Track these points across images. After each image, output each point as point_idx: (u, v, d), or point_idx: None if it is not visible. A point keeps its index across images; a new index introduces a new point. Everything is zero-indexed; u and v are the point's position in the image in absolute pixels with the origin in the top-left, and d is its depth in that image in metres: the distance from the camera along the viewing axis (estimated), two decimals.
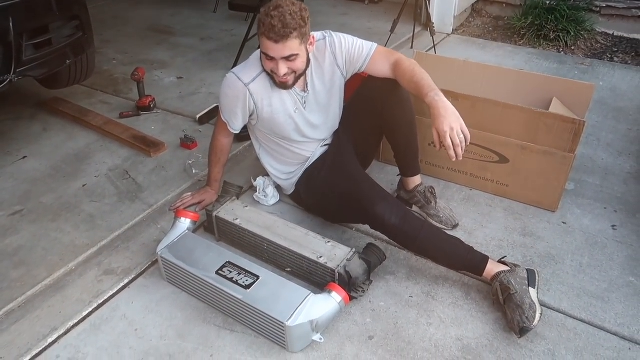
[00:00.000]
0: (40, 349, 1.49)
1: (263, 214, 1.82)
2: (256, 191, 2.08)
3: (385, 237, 1.86)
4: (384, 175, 2.22)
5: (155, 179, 2.23)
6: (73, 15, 2.27)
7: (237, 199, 1.91)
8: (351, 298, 1.61)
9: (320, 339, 1.48)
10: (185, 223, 1.75)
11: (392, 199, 1.67)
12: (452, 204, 2.07)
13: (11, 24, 1.87)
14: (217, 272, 1.56)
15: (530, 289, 1.53)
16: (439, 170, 2.18)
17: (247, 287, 1.51)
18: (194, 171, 2.23)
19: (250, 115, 1.78)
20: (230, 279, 1.54)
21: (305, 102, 1.78)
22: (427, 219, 1.94)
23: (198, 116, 2.67)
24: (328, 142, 1.94)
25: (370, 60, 1.74)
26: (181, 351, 1.48)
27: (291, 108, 1.76)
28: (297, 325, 1.41)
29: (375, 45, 1.76)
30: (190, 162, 2.29)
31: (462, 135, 1.49)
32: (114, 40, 3.88)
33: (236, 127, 1.82)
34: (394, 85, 1.73)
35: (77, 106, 2.81)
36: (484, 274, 1.60)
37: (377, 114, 1.82)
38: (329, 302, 1.49)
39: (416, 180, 1.96)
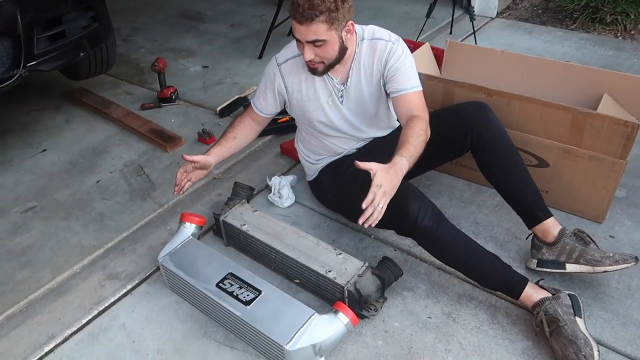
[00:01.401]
0: (36, 358, 1.44)
1: (272, 220, 1.69)
2: (271, 191, 1.96)
3: (405, 248, 1.71)
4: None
5: (169, 176, 2.15)
6: (88, 5, 2.19)
7: (248, 202, 1.80)
8: (361, 317, 1.48)
9: None
10: (189, 228, 1.66)
11: (429, 201, 1.49)
12: (484, 210, 1.88)
13: (19, 17, 1.81)
14: (217, 285, 1.46)
15: (577, 319, 1.34)
16: (469, 172, 1.99)
17: (248, 303, 1.40)
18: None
19: (284, 103, 1.69)
20: (231, 293, 1.43)
21: (342, 96, 1.63)
22: (594, 272, 1.50)
23: (219, 108, 2.57)
24: (366, 143, 1.78)
25: (401, 96, 1.56)
26: None
27: (324, 98, 1.63)
28: (298, 350, 1.29)
29: (420, 88, 1.58)
30: None
31: (381, 202, 1.29)
32: (145, 27, 3.83)
33: (261, 108, 1.71)
34: (486, 114, 1.59)
35: (100, 97, 2.77)
36: (521, 297, 1.42)
37: (461, 140, 1.64)
38: (335, 323, 1.36)
39: (554, 224, 1.57)
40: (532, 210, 1.58)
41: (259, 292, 1.43)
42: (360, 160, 1.44)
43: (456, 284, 1.60)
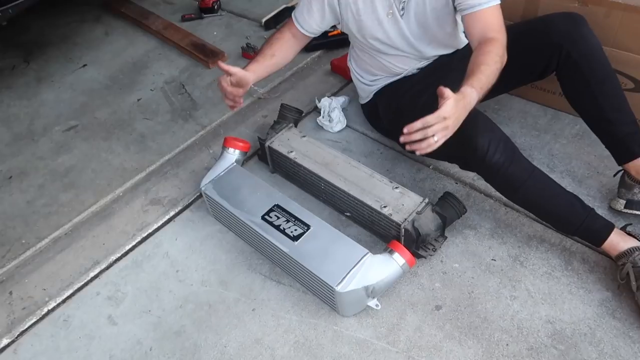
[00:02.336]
0: (82, 283, 1.42)
1: (322, 148, 1.54)
2: (320, 114, 1.79)
3: (468, 181, 1.54)
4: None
5: (211, 95, 2.01)
6: None
7: (295, 126, 1.65)
8: (418, 257, 1.36)
9: (377, 305, 1.26)
10: (233, 154, 1.54)
11: (501, 133, 1.29)
12: (561, 140, 1.65)
13: None
14: (263, 217, 1.36)
15: None
16: (546, 96, 1.74)
17: (295, 238, 1.30)
18: (252, 87, 1.96)
19: (335, 18, 1.48)
20: (277, 227, 1.33)
21: (403, 9, 1.39)
22: None
23: (264, 20, 2.35)
24: (429, 62, 1.56)
25: (474, 13, 1.29)
26: (222, 301, 1.34)
27: (382, 11, 1.40)
28: (349, 292, 1.19)
29: (498, 1, 1.30)
30: None
31: (438, 134, 1.08)
32: None
33: (303, 23, 1.49)
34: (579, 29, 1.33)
35: (139, 7, 2.59)
36: (604, 245, 1.24)
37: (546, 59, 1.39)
38: (390, 265, 1.24)
39: None
40: (626, 144, 1.35)
41: (308, 226, 1.32)
42: (421, 83, 1.25)
43: (525, 224, 1.43)
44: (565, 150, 1.62)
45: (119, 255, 1.48)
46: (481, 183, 1.54)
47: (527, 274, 1.32)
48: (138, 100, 2.04)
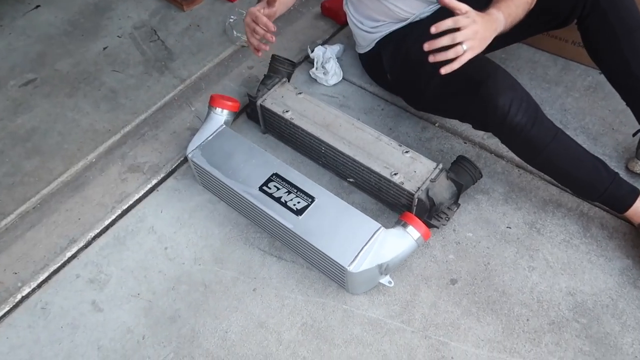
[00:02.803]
0: (58, 264, 1.27)
1: (321, 106, 1.39)
2: (313, 65, 1.62)
3: (478, 140, 1.43)
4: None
5: (188, 42, 1.79)
6: None
7: (288, 80, 1.48)
8: (430, 226, 1.26)
9: (390, 282, 1.16)
10: (221, 115, 1.37)
11: (522, 90, 1.16)
12: (573, 94, 1.55)
13: None
14: (261, 188, 1.22)
15: None
16: (557, 44, 1.61)
17: (299, 212, 1.17)
18: (235, 33, 1.76)
19: None
20: (278, 199, 1.20)
21: None
22: None
23: None
24: (439, 6, 1.37)
25: None
26: (219, 280, 1.22)
27: None
28: (362, 272, 1.09)
29: None
30: (232, 19, 1.80)
31: (461, 50, 0.99)
32: None
33: None
34: None
35: None
36: (627, 213, 1.17)
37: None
38: (404, 239, 1.14)
39: None
40: None
41: (312, 198, 1.19)
42: (429, 26, 1.09)
43: (540, 187, 1.35)
44: (578, 105, 1.52)
45: (97, 231, 1.33)
46: (492, 142, 1.43)
47: (544, 242, 1.25)
48: (104, 49, 1.80)
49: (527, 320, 1.13)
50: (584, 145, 1.35)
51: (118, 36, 1.84)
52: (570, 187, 1.24)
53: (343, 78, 1.62)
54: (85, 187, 1.42)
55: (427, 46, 1.00)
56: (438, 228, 1.27)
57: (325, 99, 1.57)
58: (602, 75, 1.57)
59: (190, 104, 1.60)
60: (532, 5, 1.15)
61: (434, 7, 1.37)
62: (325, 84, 1.61)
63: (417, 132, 1.48)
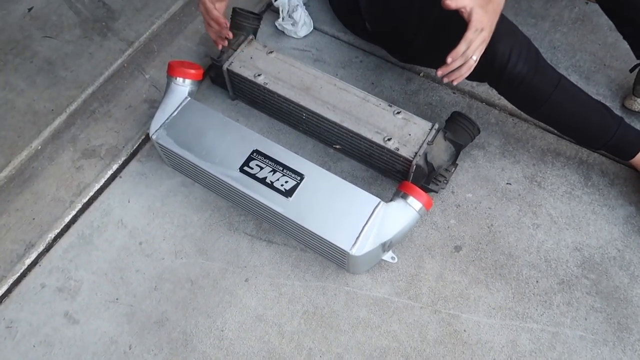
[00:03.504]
0: (18, 274, 1.12)
1: (297, 66, 1.23)
2: (278, 15, 1.43)
3: (467, 89, 1.33)
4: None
5: None
6: None
7: (255, 37, 1.30)
8: (428, 191, 1.17)
9: (393, 258, 1.08)
10: (184, 86, 1.19)
11: (523, 36, 1.06)
12: (561, 28, 1.44)
13: None
14: (241, 169, 1.08)
15: None
16: None
17: (288, 193, 1.05)
18: None
19: None
20: (262, 180, 1.07)
21: None
22: None
23: None
24: None
25: None
26: (205, 274, 1.11)
27: None
28: (365, 254, 1.00)
29: None
30: None
31: (476, 52, 0.94)
32: None
33: None
34: None
35: None
36: (634, 160, 1.11)
37: None
38: (406, 212, 1.04)
39: None
40: None
41: (301, 176, 1.07)
42: None
43: (537, 136, 1.27)
44: (567, 41, 1.42)
45: (57, 231, 1.17)
46: (482, 89, 1.33)
47: (546, 197, 1.19)
48: (29, 10, 1.53)
49: (537, 282, 1.09)
50: (577, 85, 1.29)
51: None
52: (574, 136, 1.17)
53: (314, 28, 1.45)
54: (34, 180, 1.24)
55: (441, 72, 0.96)
56: (437, 192, 1.18)
57: (296, 54, 1.41)
58: (588, 6, 1.49)
59: (143, 70, 1.40)
60: None
61: None
62: (295, 37, 1.44)
63: (402, 85, 1.36)
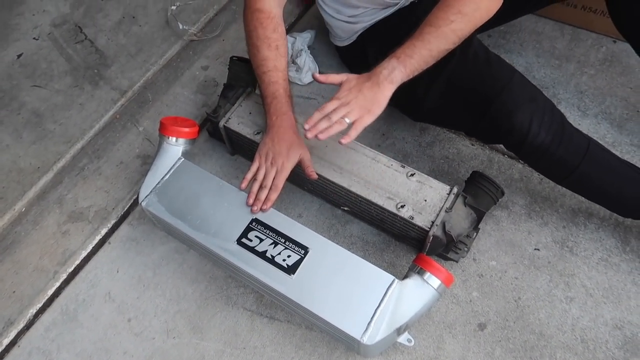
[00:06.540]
0: None
1: (300, 121, 1.12)
2: None
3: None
4: None
5: (123, 40, 1.46)
6: None
7: (254, 88, 1.20)
8: (446, 259, 1.06)
9: (410, 340, 0.96)
10: (177, 145, 1.09)
11: (545, 100, 0.96)
12: (587, 70, 1.33)
13: None
14: (239, 241, 0.97)
15: None
16: (564, 10, 1.38)
17: (291, 269, 0.94)
18: (180, 26, 1.44)
19: None
20: (262, 255, 0.96)
21: None
22: None
23: None
24: None
25: None
26: (200, 356, 1.00)
27: None
28: (378, 341, 0.88)
29: None
30: (174, 7, 1.48)
31: (344, 122, 0.90)
32: None
33: None
34: None
35: None
36: None
37: None
38: (424, 291, 0.92)
39: None
40: None
41: (305, 249, 0.96)
42: (423, 17, 0.92)
43: (566, 194, 1.15)
44: (595, 84, 1.31)
45: (39, 305, 1.07)
46: None
47: (579, 264, 1.06)
48: (18, 56, 1.45)
49: None
50: (608, 135, 1.19)
51: (34, 38, 1.49)
52: (608, 205, 1.04)
53: (319, 73, 1.35)
54: (16, 247, 1.14)
55: (307, 127, 0.91)
56: (457, 262, 1.06)
57: (300, 102, 1.31)
58: (616, 45, 1.38)
59: (137, 122, 1.31)
60: (477, 19, 0.91)
61: None
62: (299, 83, 1.34)
63: (415, 136, 1.25)
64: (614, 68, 1.33)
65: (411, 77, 0.92)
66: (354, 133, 0.90)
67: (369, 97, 0.91)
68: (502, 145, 1.03)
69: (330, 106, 0.91)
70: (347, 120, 0.90)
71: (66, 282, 1.09)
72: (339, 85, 0.94)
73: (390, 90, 0.92)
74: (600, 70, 1.33)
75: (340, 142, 0.90)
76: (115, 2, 1.55)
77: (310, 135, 0.90)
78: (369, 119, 0.91)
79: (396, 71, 0.91)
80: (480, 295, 1.04)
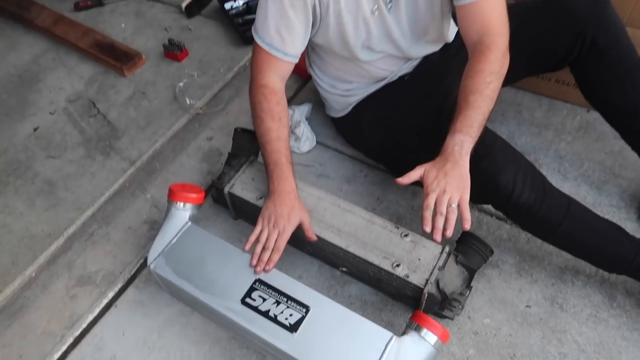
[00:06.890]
0: None
1: (300, 187, 1.19)
2: None
3: (476, 204, 1.29)
4: None
5: (134, 114, 1.57)
6: None
7: (256, 157, 1.29)
8: (442, 317, 1.10)
9: None
10: (184, 210, 1.16)
11: (527, 163, 1.04)
12: (565, 137, 1.44)
13: None
14: (243, 301, 1.02)
15: None
16: (540, 83, 1.50)
17: (293, 327, 0.98)
18: (187, 100, 1.56)
19: (313, 25, 1.08)
20: (265, 314, 1.00)
21: (391, 1, 1.06)
22: None
23: (184, 4, 1.90)
24: (415, 64, 1.24)
25: (470, 5, 1.01)
26: None
27: (367, 7, 1.05)
28: None
29: None
30: (181, 84, 1.60)
31: (454, 209, 0.93)
32: None
33: (291, 49, 1.08)
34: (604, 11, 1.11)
35: None
36: None
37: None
38: (421, 347, 0.96)
39: None
40: None
41: (306, 308, 1.00)
42: (414, 91, 0.99)
43: (553, 253, 1.21)
44: (573, 150, 1.40)
45: None
46: None
47: (570, 320, 1.11)
48: (35, 129, 1.55)
49: None
50: (588, 197, 1.26)
51: (50, 113, 1.60)
52: (591, 261, 1.10)
53: (317, 142, 1.45)
54: (25, 311, 1.17)
55: (428, 230, 0.93)
56: (452, 319, 1.10)
57: (299, 169, 1.39)
58: (590, 114, 1.49)
59: (145, 189, 1.38)
60: (504, 72, 1.02)
61: (414, 63, 1.23)
62: (298, 152, 1.43)
63: (408, 200, 1.33)
64: (589, 135, 1.43)
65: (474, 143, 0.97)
66: (467, 213, 0.92)
67: (457, 177, 0.94)
68: (490, 206, 1.10)
69: (431, 201, 0.93)
70: (454, 206, 0.92)
71: (72, 345, 1.12)
72: (420, 179, 0.96)
73: (467, 161, 0.95)
74: (576, 137, 1.43)
75: (463, 228, 0.92)
76: (127, 79, 1.68)
77: (447, 235, 0.91)
78: (467, 194, 0.94)
79: (465, 143, 0.95)
80: (476, 352, 1.07)
